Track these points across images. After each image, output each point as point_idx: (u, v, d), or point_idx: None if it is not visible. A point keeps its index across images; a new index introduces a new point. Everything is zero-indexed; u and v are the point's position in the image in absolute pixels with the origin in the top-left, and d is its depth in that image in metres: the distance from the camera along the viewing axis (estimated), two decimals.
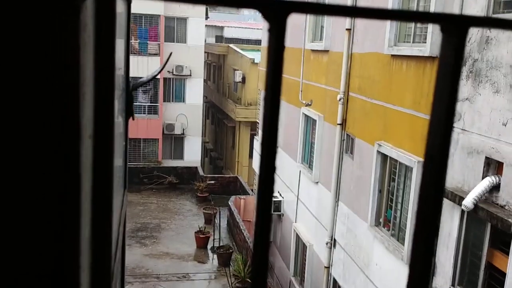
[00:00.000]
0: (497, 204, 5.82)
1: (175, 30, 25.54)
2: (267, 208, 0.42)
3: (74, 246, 0.54)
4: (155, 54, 24.60)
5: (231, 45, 28.74)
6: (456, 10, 6.59)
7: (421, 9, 7.71)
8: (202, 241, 17.07)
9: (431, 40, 7.05)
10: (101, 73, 0.71)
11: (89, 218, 0.73)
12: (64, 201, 0.52)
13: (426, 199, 0.45)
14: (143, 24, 24.84)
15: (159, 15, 24.64)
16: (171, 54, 3.16)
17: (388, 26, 8.29)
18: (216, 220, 17.76)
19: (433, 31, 7.04)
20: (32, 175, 0.49)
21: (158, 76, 24.51)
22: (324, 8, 0.39)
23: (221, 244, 16.55)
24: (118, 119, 1.39)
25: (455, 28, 0.41)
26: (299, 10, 0.37)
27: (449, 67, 0.42)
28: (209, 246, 17.10)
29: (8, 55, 0.46)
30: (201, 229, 17.31)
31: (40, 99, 0.47)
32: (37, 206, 0.50)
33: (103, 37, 0.71)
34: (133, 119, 1.63)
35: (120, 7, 1.39)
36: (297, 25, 12.83)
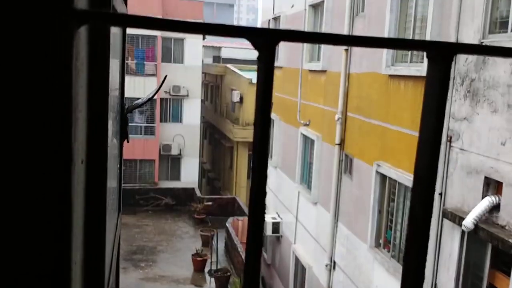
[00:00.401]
0: (498, 224, 5.76)
1: (172, 50, 25.72)
2: (259, 228, 0.42)
3: (65, 269, 0.53)
4: (152, 75, 24.70)
5: (228, 65, 28.92)
6: (452, 31, 6.63)
7: (417, 29, 7.77)
8: (199, 264, 16.84)
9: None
10: (94, 98, 0.71)
11: (81, 242, 0.72)
12: (55, 226, 0.51)
13: (415, 219, 0.45)
14: (140, 45, 25.01)
15: (156, 36, 24.84)
16: (165, 77, 3.16)
17: None
18: (213, 243, 17.56)
19: None
20: (24, 199, 0.49)
21: (155, 97, 24.57)
22: (311, 36, 0.41)
23: (218, 267, 16.33)
24: (113, 142, 1.36)
25: (440, 55, 0.42)
26: (286, 38, 0.39)
27: (435, 93, 0.43)
28: (206, 269, 16.86)
29: (3, 80, 0.46)
30: (198, 251, 17.10)
31: (32, 125, 0.48)
32: (27, 229, 0.50)
33: (97, 64, 0.72)
34: (127, 141, 1.59)
35: (114, 28, 1.37)
36: (295, 45, 12.92)
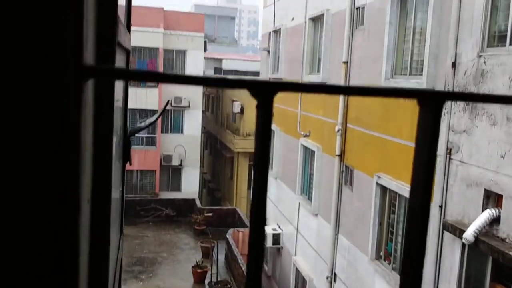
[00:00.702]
0: (498, 237, 5.75)
1: (173, 62, 25.86)
2: (260, 238, 0.45)
3: None
4: (154, 86, 24.81)
5: (229, 77, 29.01)
6: (451, 43, 6.68)
7: (416, 42, 7.82)
8: (199, 276, 16.76)
9: (428, 72, 7.12)
10: (99, 140, 0.73)
11: (86, 275, 0.73)
12: (63, 268, 0.53)
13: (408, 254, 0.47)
14: (142, 57, 25.16)
15: (158, 48, 24.99)
16: (168, 102, 3.22)
17: (384, 59, 8.39)
18: (214, 254, 17.49)
19: (429, 64, 7.12)
20: (31, 241, 0.51)
21: (157, 108, 24.64)
22: (306, 87, 0.43)
23: (219, 279, 16.25)
24: (115, 165, 1.38)
25: (431, 102, 0.45)
26: (283, 89, 0.42)
27: (427, 138, 0.45)
28: (206, 281, 16.77)
29: (13, 127, 0.49)
30: (198, 263, 17.02)
31: (41, 170, 0.51)
32: (33, 276, 0.52)
33: (103, 109, 0.74)
34: (130, 164, 1.62)
35: (119, 61, 1.40)
36: (295, 58, 13.00)
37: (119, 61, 1.38)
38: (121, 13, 1.55)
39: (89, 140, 0.68)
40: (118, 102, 1.41)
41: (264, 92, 0.41)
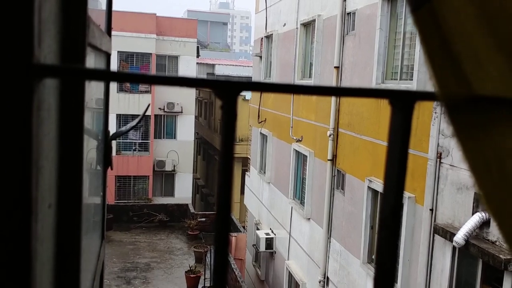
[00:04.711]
0: (488, 240, 5.81)
1: (166, 67, 25.84)
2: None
3: None
4: (146, 92, 24.78)
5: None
6: None
7: (407, 47, 7.90)
8: (192, 281, 16.71)
9: (418, 77, 7.20)
10: (67, 142, 0.71)
11: (50, 283, 0.71)
12: (15, 279, 0.50)
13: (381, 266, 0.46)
14: (134, 62, 25.13)
15: (151, 53, 24.99)
16: (148, 105, 3.22)
17: (375, 64, 8.46)
18: (207, 259, 17.45)
19: (419, 69, 7.20)
20: None
21: (149, 113, 24.63)
22: (270, 86, 0.43)
23: (212, 284, 16.19)
24: (97, 169, 1.38)
25: (403, 102, 0.45)
26: (246, 88, 0.41)
27: (398, 138, 0.45)
28: (200, 286, 16.72)
29: None
30: (191, 268, 16.98)
31: None
32: None
33: (70, 108, 0.72)
34: (111, 169, 1.62)
35: (98, 63, 1.41)
36: (287, 63, 13.07)
37: (97, 64, 1.38)
38: (100, 17, 1.55)
39: (51, 142, 0.66)
40: (97, 105, 1.40)
41: (227, 92, 0.41)
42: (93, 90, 1.27)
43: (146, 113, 24.71)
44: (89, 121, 1.00)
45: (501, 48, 0.40)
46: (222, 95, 0.41)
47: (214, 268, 0.43)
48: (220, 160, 0.42)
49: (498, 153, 0.43)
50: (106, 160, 1.59)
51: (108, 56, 1.63)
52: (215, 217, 0.44)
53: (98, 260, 1.47)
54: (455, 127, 0.45)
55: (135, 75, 0.43)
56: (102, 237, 1.66)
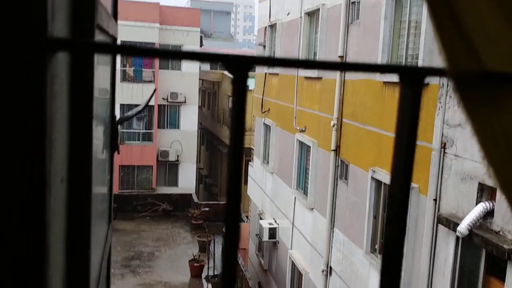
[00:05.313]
0: (492, 230, 5.80)
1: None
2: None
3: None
4: (150, 81, 24.75)
5: (225, 72, 29.00)
6: None
7: (411, 36, 7.84)
8: (196, 269, 16.82)
9: (422, 65, 7.12)
10: (77, 118, 0.72)
11: (63, 263, 0.72)
12: (30, 252, 0.52)
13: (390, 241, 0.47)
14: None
15: (154, 43, 24.91)
16: (155, 90, 3.21)
17: (380, 53, 8.41)
18: (210, 248, 17.54)
19: (424, 58, 7.14)
20: None
21: (153, 103, 24.62)
22: (281, 61, 0.43)
23: (216, 273, 16.31)
24: (103, 154, 1.38)
25: (412, 79, 0.44)
26: (257, 63, 0.41)
27: (408, 114, 0.45)
28: (203, 275, 16.84)
29: None
30: (195, 257, 17.08)
31: (3, 147, 0.49)
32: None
33: (80, 84, 0.73)
34: (118, 153, 1.63)
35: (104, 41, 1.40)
36: (291, 52, 13.00)
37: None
38: (107, 1, 1.56)
39: (63, 117, 0.67)
40: (104, 90, 1.41)
41: (239, 66, 0.40)
42: (104, 75, 1.27)
43: (150, 103, 24.71)
44: (96, 107, 1.00)
45: (511, 23, 0.39)
46: (233, 69, 0.41)
47: (224, 257, 0.43)
48: (231, 134, 0.42)
49: (506, 128, 0.43)
50: (112, 144, 1.60)
51: (114, 40, 1.63)
52: (226, 192, 0.44)
53: (106, 242, 1.48)
54: (464, 102, 0.45)
55: (144, 49, 0.43)
56: (109, 221, 1.67)
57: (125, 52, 0.44)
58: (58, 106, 0.62)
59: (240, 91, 0.41)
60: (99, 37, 1.08)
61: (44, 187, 0.51)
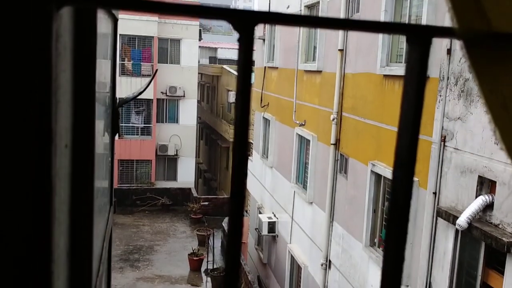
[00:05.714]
0: (491, 223, 5.81)
1: (168, 51, 25.71)
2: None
3: (46, 253, 0.53)
4: (149, 75, 24.69)
5: (224, 66, 28.93)
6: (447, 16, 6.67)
7: (413, 15, 7.81)
8: (195, 263, 16.86)
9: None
10: (80, 83, 0.71)
11: (67, 227, 0.72)
12: (35, 209, 0.51)
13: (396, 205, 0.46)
14: (136, 46, 24.99)
15: (153, 37, 24.83)
16: (156, 70, 3.19)
17: (380, 46, 8.38)
18: (210, 242, 17.58)
19: None
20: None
21: (152, 97, 24.57)
22: (289, 18, 0.41)
23: (215, 267, 16.35)
24: (104, 136, 1.37)
25: (419, 38, 0.43)
26: (265, 20, 0.40)
27: (415, 76, 0.44)
28: (203, 269, 16.88)
29: None
30: (194, 251, 17.11)
31: (8, 103, 0.48)
32: (5, 214, 0.50)
33: (83, 49, 0.72)
34: (119, 136, 1.62)
35: (105, 27, 1.39)
36: (291, 46, 12.96)
37: (106, 27, 1.37)
38: None
39: (67, 81, 0.66)
40: (105, 74, 1.39)
41: (245, 23, 0.39)
42: (104, 66, 1.26)
43: (148, 97, 24.61)
44: (98, 87, 0.99)
45: None
46: (239, 26, 0.39)
47: (227, 249, 0.41)
48: (237, 96, 0.40)
49: None
50: (114, 127, 1.59)
51: (115, 21, 1.61)
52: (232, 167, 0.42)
53: (107, 224, 1.48)
54: (472, 62, 0.44)
55: (148, 2, 0.41)
56: (110, 203, 1.67)
57: (128, 6, 0.42)
58: (62, 68, 0.61)
59: (246, 49, 0.40)
60: (100, 16, 1.07)
61: (51, 145, 0.50)
